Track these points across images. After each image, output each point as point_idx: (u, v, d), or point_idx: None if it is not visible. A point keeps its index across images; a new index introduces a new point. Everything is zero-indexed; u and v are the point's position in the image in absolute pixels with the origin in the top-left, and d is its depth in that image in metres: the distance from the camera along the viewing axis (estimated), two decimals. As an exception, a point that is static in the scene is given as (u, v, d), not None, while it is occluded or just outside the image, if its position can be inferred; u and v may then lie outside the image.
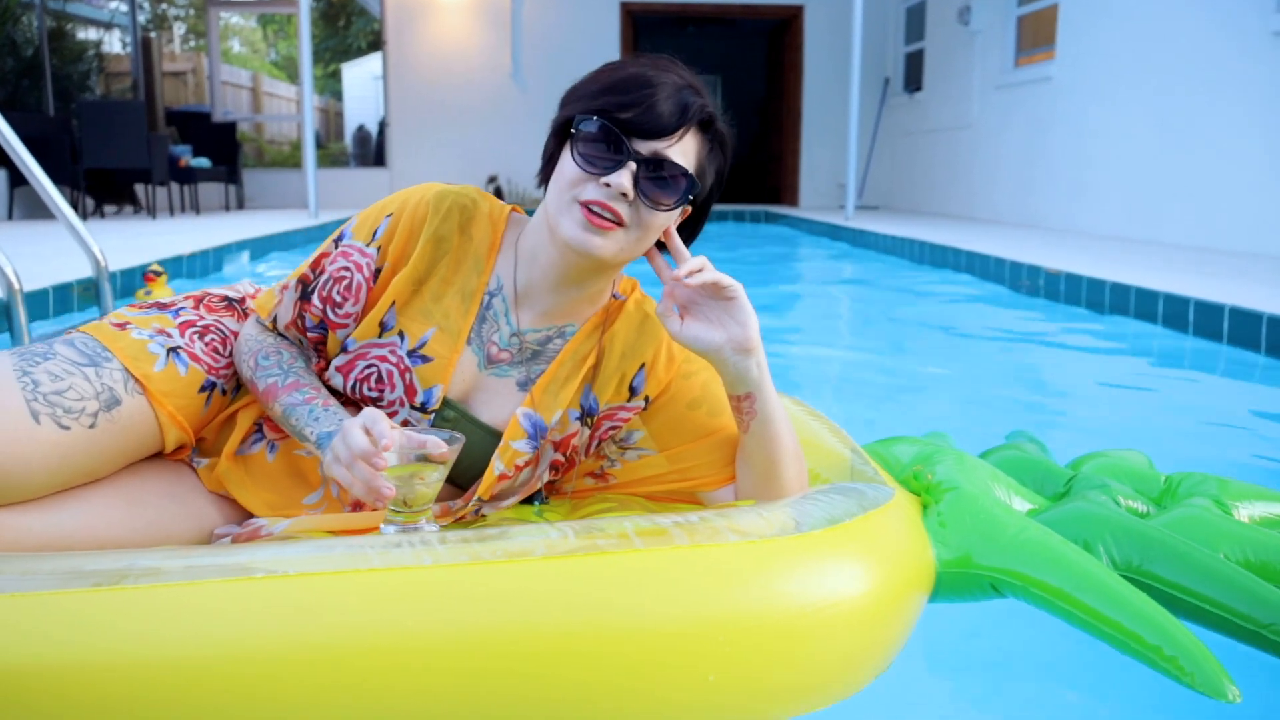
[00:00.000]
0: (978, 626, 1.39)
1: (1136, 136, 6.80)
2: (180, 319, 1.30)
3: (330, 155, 14.23)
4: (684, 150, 1.16)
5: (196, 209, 9.64)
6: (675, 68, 1.18)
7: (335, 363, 1.26)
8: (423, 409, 1.24)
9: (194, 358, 1.26)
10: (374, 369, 1.24)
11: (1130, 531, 1.24)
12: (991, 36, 9.08)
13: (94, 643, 0.87)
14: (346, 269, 1.25)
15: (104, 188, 9.05)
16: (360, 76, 14.19)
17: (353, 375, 1.25)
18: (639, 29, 12.69)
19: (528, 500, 1.36)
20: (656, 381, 1.30)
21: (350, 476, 1.06)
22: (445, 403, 1.25)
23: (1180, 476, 1.51)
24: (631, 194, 1.12)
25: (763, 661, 0.96)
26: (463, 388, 1.26)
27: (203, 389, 1.26)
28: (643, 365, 1.29)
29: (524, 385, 1.28)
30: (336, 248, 1.27)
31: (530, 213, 1.30)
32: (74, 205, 8.28)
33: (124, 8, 11.13)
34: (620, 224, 1.14)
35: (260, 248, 6.53)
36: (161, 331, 1.27)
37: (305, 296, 1.27)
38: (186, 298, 1.36)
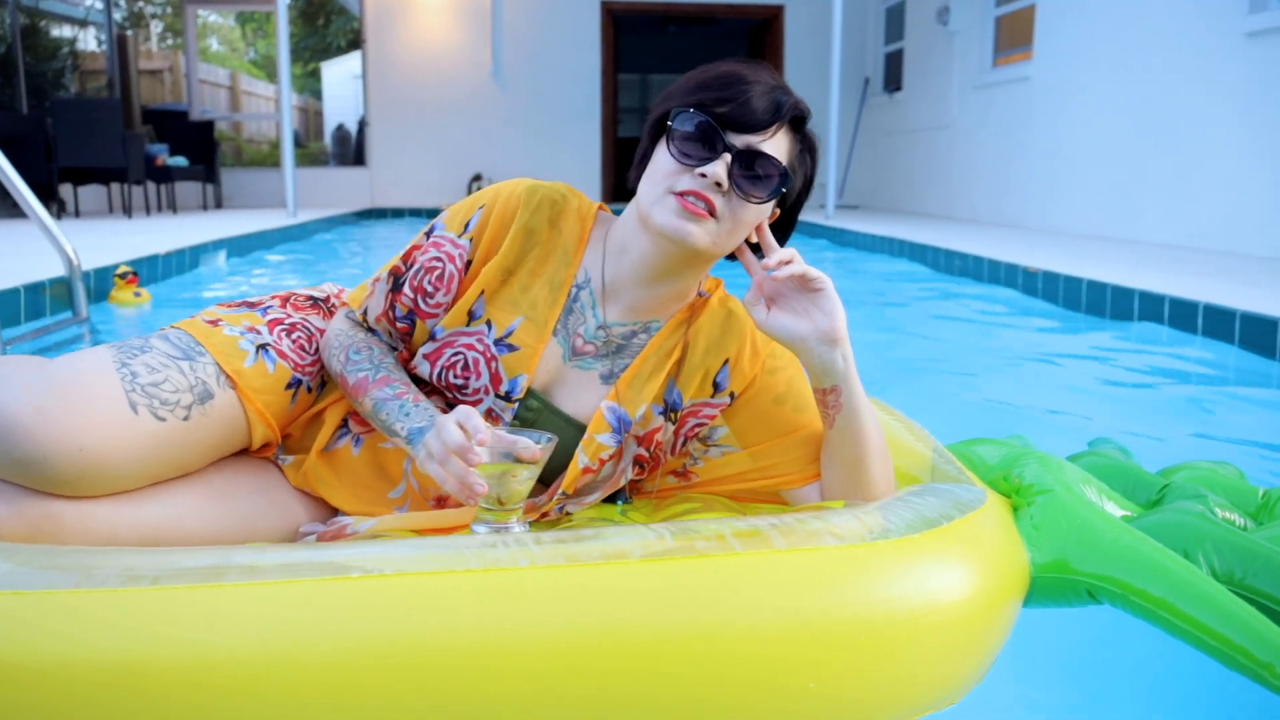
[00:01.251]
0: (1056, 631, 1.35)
1: (1113, 136, 6.84)
2: (269, 317, 1.32)
3: (310, 154, 14.16)
4: (776, 146, 1.18)
5: (174, 208, 9.56)
6: (767, 68, 1.21)
7: (422, 350, 1.27)
8: (507, 398, 1.25)
9: (281, 355, 1.28)
10: (460, 356, 1.25)
11: (1232, 543, 1.19)
12: (970, 37, 9.12)
13: (192, 640, 0.88)
14: (438, 259, 1.27)
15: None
16: (340, 75, 14.12)
17: (439, 363, 1.26)
18: (620, 28, 12.68)
19: (610, 499, 1.36)
20: (741, 377, 1.30)
21: (444, 473, 1.07)
22: (529, 392, 1.26)
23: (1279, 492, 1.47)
24: (726, 185, 1.15)
25: (864, 669, 0.94)
26: (546, 378, 1.27)
27: (289, 386, 1.28)
28: (727, 361, 1.29)
29: (607, 379, 1.28)
30: (428, 239, 1.29)
31: (617, 211, 1.32)
32: (48, 204, 8.19)
33: (99, 5, 11.03)
34: (713, 214, 1.16)
35: (237, 247, 6.48)
36: (251, 329, 1.28)
37: (396, 287, 1.29)
38: (274, 296, 1.38)
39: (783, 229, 1.28)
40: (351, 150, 12.99)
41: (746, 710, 0.92)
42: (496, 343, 1.25)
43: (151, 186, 9.83)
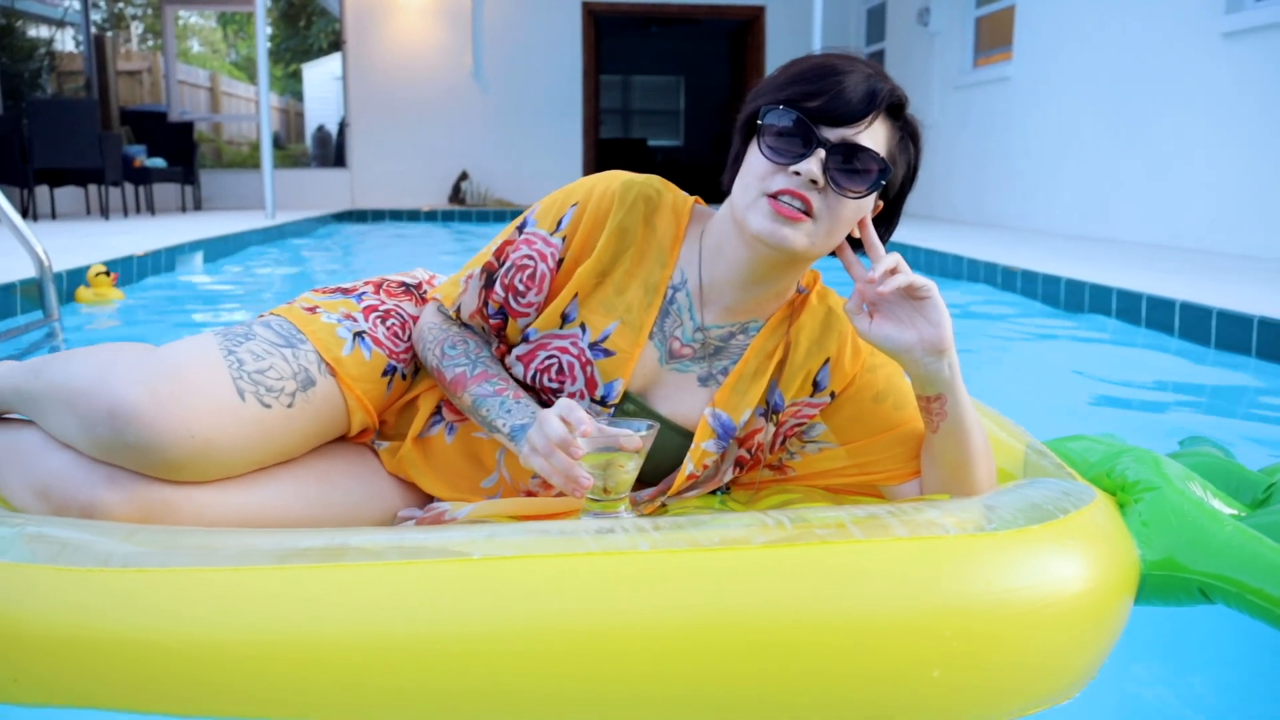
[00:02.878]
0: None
1: (1091, 136, 6.87)
2: (363, 304, 1.33)
3: (291, 156, 14.09)
4: (873, 137, 1.13)
5: (152, 210, 9.49)
6: (861, 58, 1.16)
7: (516, 351, 1.27)
8: (603, 402, 1.24)
9: (377, 342, 1.29)
10: (555, 360, 1.24)
11: None
12: (950, 37, 9.15)
13: (313, 617, 0.89)
14: (530, 258, 1.25)
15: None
16: (321, 77, 14.05)
17: (533, 365, 1.25)
18: (601, 29, 12.67)
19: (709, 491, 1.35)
20: (841, 376, 1.27)
21: (549, 466, 1.07)
22: (625, 396, 1.25)
23: None
24: (822, 181, 1.10)
25: (988, 659, 0.92)
26: (643, 381, 1.26)
27: (385, 373, 1.29)
28: (827, 360, 1.27)
29: (705, 380, 1.27)
30: (520, 234, 1.27)
31: (713, 206, 1.30)
32: (23, 205, 8.11)
33: (77, 5, 10.94)
34: (809, 214, 1.11)
35: (215, 248, 6.43)
36: (348, 316, 1.29)
37: (489, 284, 1.27)
38: (367, 283, 1.38)
39: (886, 221, 1.24)
40: (332, 151, 12.92)
41: (870, 698, 0.91)
42: (591, 347, 1.23)
43: (129, 188, 9.75)
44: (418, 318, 1.34)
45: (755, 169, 1.14)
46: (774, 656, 0.89)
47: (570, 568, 0.92)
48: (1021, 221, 7.82)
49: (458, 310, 1.29)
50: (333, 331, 1.26)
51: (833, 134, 1.11)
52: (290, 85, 14.73)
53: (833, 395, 1.28)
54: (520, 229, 1.27)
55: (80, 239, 6.22)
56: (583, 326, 1.24)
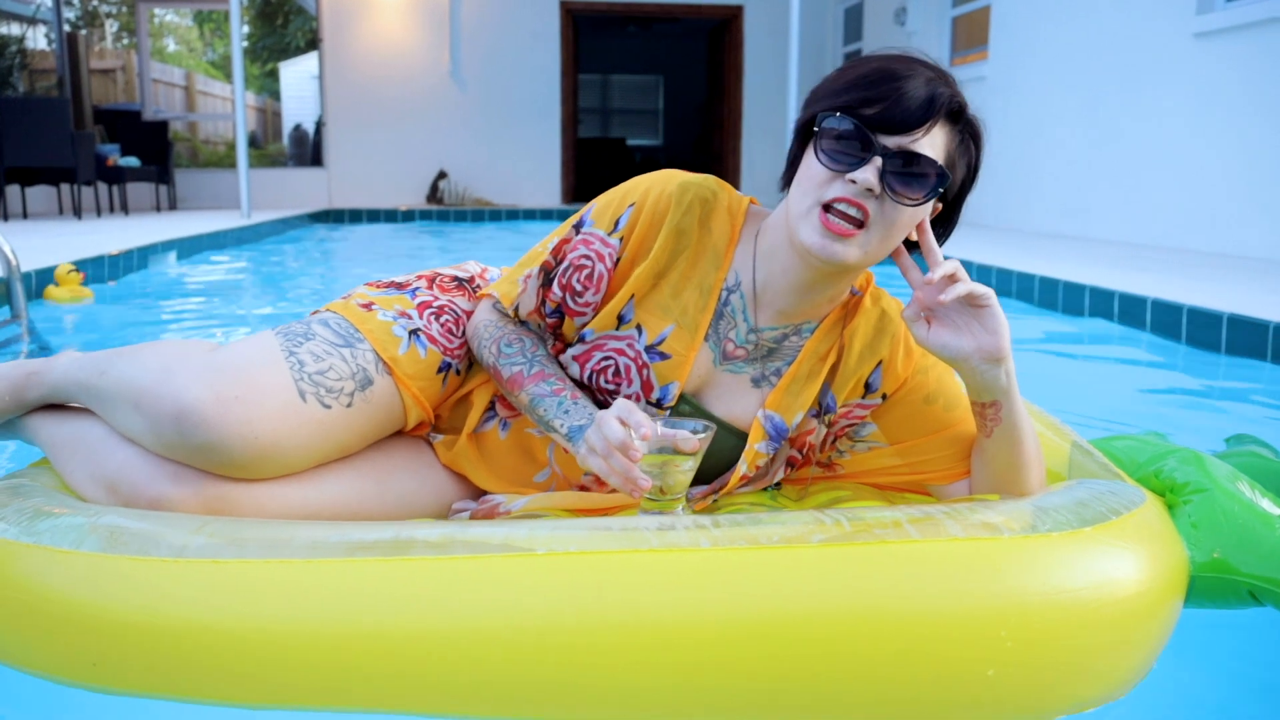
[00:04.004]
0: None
1: (1067, 135, 6.92)
2: (417, 299, 1.34)
3: (268, 156, 14.00)
4: (932, 143, 1.12)
5: (125, 209, 9.40)
6: (925, 62, 1.15)
7: (572, 351, 1.28)
8: (659, 405, 1.25)
9: (432, 339, 1.30)
10: (611, 361, 1.25)
11: None
12: (927, 37, 9.19)
13: (379, 610, 0.91)
14: (587, 258, 1.26)
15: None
16: (298, 76, 13.97)
17: (589, 366, 1.26)
18: (579, 28, 12.65)
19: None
20: (894, 379, 1.28)
21: (607, 468, 1.08)
22: (681, 398, 1.26)
23: None
24: (878, 189, 1.09)
25: (1041, 658, 0.93)
26: (697, 383, 1.26)
27: (440, 370, 1.31)
28: (880, 363, 1.27)
29: (758, 382, 1.27)
30: (577, 234, 1.28)
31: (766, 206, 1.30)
32: (-5, 205, 8.02)
33: (49, 3, 10.83)
34: (863, 225, 1.11)
35: (188, 248, 6.38)
36: (403, 314, 1.31)
37: (547, 283, 1.28)
38: (419, 277, 1.40)
39: (944, 222, 1.23)
40: (309, 151, 12.85)
41: (925, 696, 0.92)
42: (648, 350, 1.24)
43: (103, 187, 9.66)
44: (470, 313, 1.36)
45: (812, 175, 1.13)
46: (831, 653, 0.91)
47: (632, 564, 0.94)
48: (998, 220, 7.86)
49: (516, 309, 1.30)
50: (389, 330, 1.28)
51: (890, 141, 1.10)
52: (267, 84, 14.64)
53: (884, 397, 1.29)
54: (577, 228, 1.28)
55: (52, 238, 6.16)
56: (639, 328, 1.25)
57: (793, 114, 8.90)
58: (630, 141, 16.11)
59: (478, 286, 1.42)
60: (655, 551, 0.95)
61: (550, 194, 11.76)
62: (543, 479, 1.32)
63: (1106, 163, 6.45)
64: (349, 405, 1.21)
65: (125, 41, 12.94)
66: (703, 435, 1.10)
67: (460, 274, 1.43)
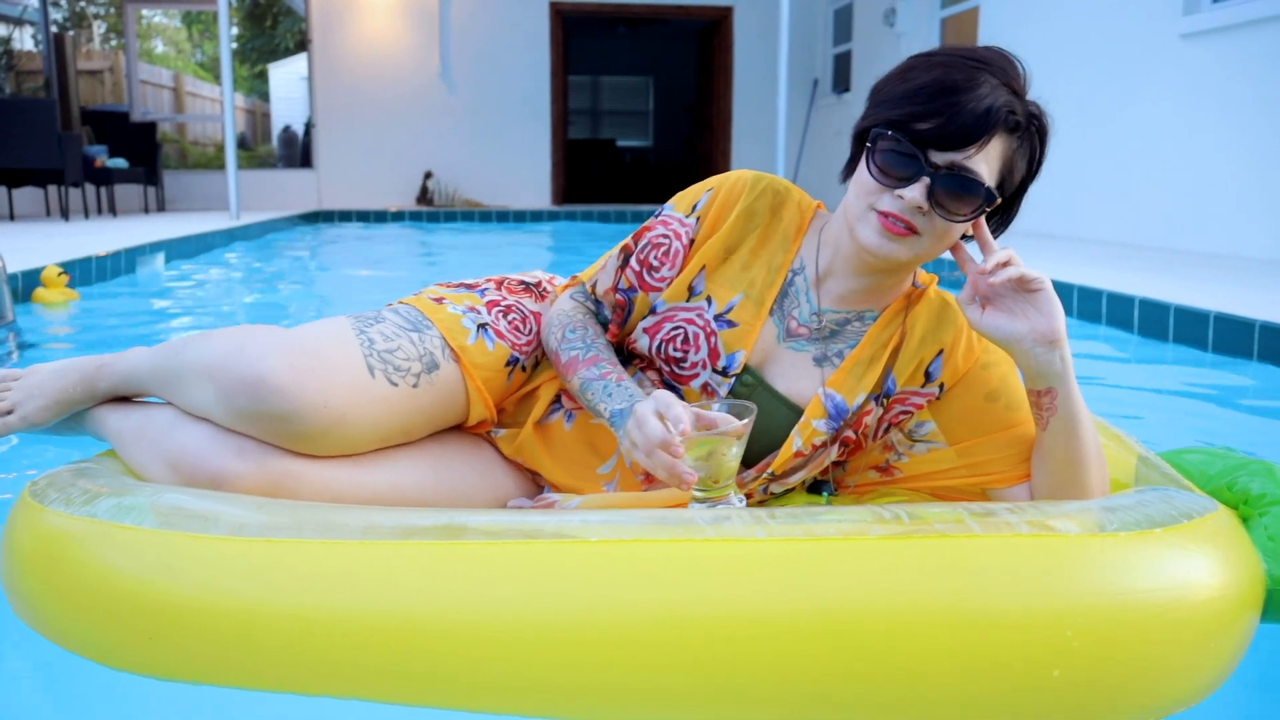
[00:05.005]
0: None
1: (1054, 135, 6.93)
2: (486, 298, 1.39)
3: (258, 157, 13.95)
4: (987, 156, 1.13)
5: (113, 211, 9.36)
6: (990, 64, 1.13)
7: (643, 324, 1.32)
8: (724, 373, 1.28)
9: (499, 334, 1.34)
10: (680, 330, 1.29)
11: None
12: (916, 38, 9.21)
13: (431, 593, 0.92)
14: (665, 236, 1.32)
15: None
16: (288, 77, 13.92)
17: (659, 335, 1.30)
18: (569, 29, 12.65)
19: (814, 489, 1.38)
20: (953, 370, 1.29)
21: (651, 463, 1.09)
22: (745, 368, 1.29)
23: None
24: (926, 207, 1.12)
25: (1109, 660, 0.91)
26: (761, 356, 1.30)
27: (507, 364, 1.34)
28: (941, 351, 1.28)
29: (820, 361, 1.30)
30: (656, 219, 1.35)
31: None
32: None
33: (35, 3, 10.77)
34: (915, 232, 1.15)
35: (176, 249, 6.35)
36: (472, 309, 1.35)
37: (625, 262, 1.34)
38: (489, 279, 1.45)
39: (1004, 211, 1.24)
40: (298, 152, 12.81)
41: (987, 694, 0.90)
42: (716, 318, 1.29)
43: (90, 189, 9.61)
44: (537, 314, 1.41)
45: (865, 184, 1.17)
46: (888, 648, 0.89)
47: (686, 553, 0.93)
48: (986, 221, 7.88)
49: (594, 286, 1.37)
50: (458, 321, 1.32)
51: (942, 158, 1.12)
52: (256, 85, 14.59)
53: (942, 388, 1.29)
54: (657, 215, 1.35)
55: (39, 240, 6.13)
56: (708, 299, 1.29)
57: (784, 115, 8.91)
58: (620, 143, 16.11)
59: (544, 290, 1.48)
60: (710, 541, 0.94)
61: (540, 195, 11.75)
62: (607, 470, 1.34)
63: (1094, 163, 6.47)
64: (415, 386, 1.24)
65: (113, 43, 12.89)
66: (746, 421, 1.10)
67: (528, 279, 1.49)
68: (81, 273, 4.87)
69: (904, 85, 1.15)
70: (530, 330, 1.39)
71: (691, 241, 1.32)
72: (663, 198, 14.26)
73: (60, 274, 4.30)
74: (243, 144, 13.68)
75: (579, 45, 14.71)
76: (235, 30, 13.81)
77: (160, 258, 6.03)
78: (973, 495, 1.29)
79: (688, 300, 1.30)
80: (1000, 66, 1.14)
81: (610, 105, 16.70)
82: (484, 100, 11.47)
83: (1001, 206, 1.24)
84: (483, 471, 1.34)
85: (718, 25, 12.08)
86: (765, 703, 0.91)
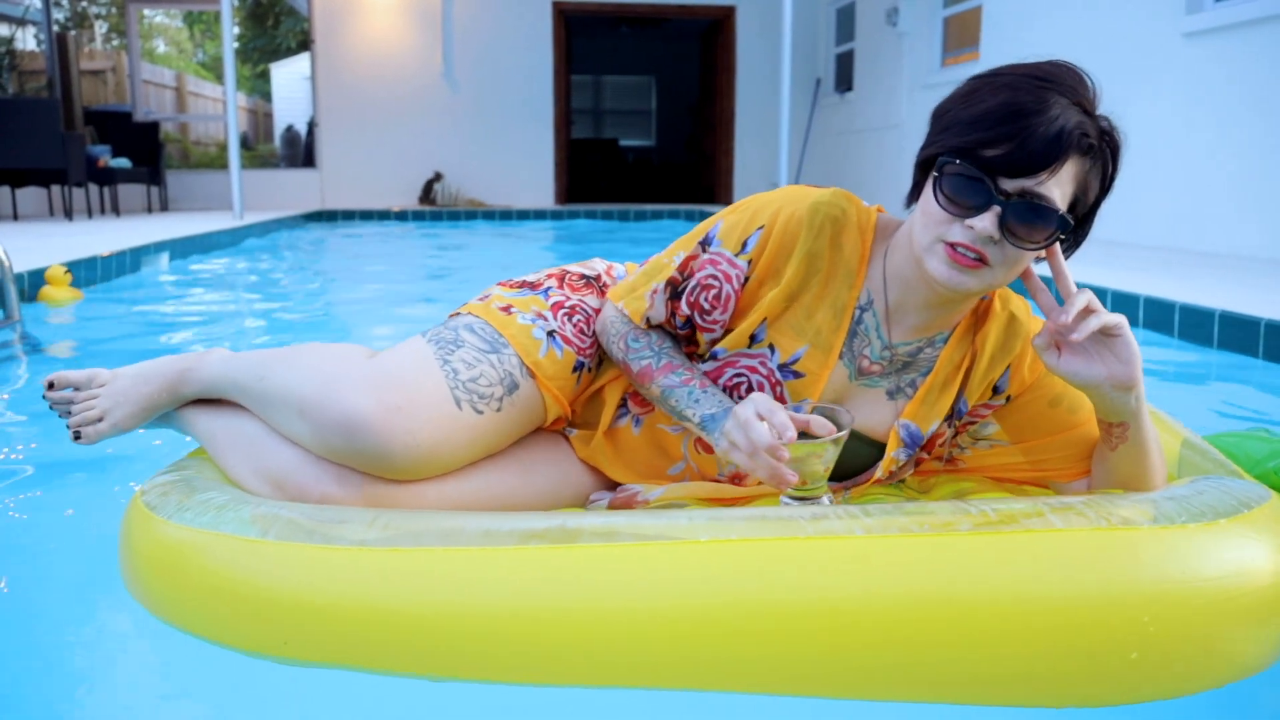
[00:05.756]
0: None
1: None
2: (551, 300, 1.39)
3: (260, 157, 13.96)
4: (1059, 180, 1.09)
5: (116, 211, 9.37)
6: (1058, 82, 1.09)
7: (704, 368, 1.31)
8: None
9: (566, 340, 1.35)
10: (744, 379, 1.28)
11: None
12: (918, 37, 9.21)
13: (551, 593, 0.98)
14: (715, 278, 1.28)
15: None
16: (290, 77, 13.93)
17: (721, 381, 1.29)
18: (571, 29, 12.65)
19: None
20: (1020, 382, 1.29)
21: (752, 464, 1.11)
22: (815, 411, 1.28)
23: None
24: (998, 236, 1.09)
25: (1182, 641, 0.98)
26: (831, 397, 1.29)
27: (575, 369, 1.36)
28: (1009, 366, 1.29)
29: (893, 394, 1.29)
30: (705, 252, 1.29)
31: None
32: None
33: (38, 3, 10.78)
34: (985, 262, 1.11)
35: (180, 249, 6.36)
36: (540, 315, 1.36)
37: (675, 297, 1.32)
38: (549, 275, 1.44)
39: (1076, 233, 1.20)
40: (301, 152, 12.82)
41: (1071, 675, 0.97)
42: (781, 368, 1.27)
43: (94, 189, 9.62)
44: (599, 310, 1.40)
45: (932, 214, 1.12)
46: (981, 635, 0.96)
47: (789, 550, 0.99)
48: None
49: (647, 322, 1.33)
50: (529, 333, 1.33)
51: (1012, 185, 1.08)
52: (258, 85, 14.60)
53: (1008, 398, 1.30)
54: (704, 245, 1.29)
55: (43, 240, 6.14)
56: (771, 347, 1.27)
57: (787, 114, 8.92)
58: (622, 142, 16.11)
59: (605, 284, 1.46)
60: (812, 539, 1.00)
61: (543, 195, 11.76)
62: (676, 472, 1.36)
63: (1097, 162, 6.46)
64: (498, 410, 1.27)
65: (115, 43, 12.90)
66: (843, 432, 1.13)
67: (588, 271, 1.47)
68: (86, 272, 4.88)
69: (969, 110, 1.10)
70: (594, 330, 1.39)
71: (744, 283, 1.27)
72: (665, 197, 14.27)
73: (65, 272, 4.31)
74: (245, 144, 13.69)
75: (581, 45, 14.71)
76: (237, 30, 13.82)
77: (164, 257, 6.04)
78: (1033, 484, 1.35)
79: (749, 348, 1.28)
80: (1069, 84, 1.10)
81: (612, 105, 16.70)
82: (487, 100, 11.48)
83: (1074, 228, 1.20)
84: (564, 470, 1.37)
85: (720, 25, 12.08)
86: (868, 688, 0.98)
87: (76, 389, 1.45)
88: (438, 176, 11.34)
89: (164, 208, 10.44)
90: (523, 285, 1.42)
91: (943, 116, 1.14)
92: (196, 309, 4.35)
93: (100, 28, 13.08)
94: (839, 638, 0.96)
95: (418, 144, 11.44)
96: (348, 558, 1.03)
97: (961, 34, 8.69)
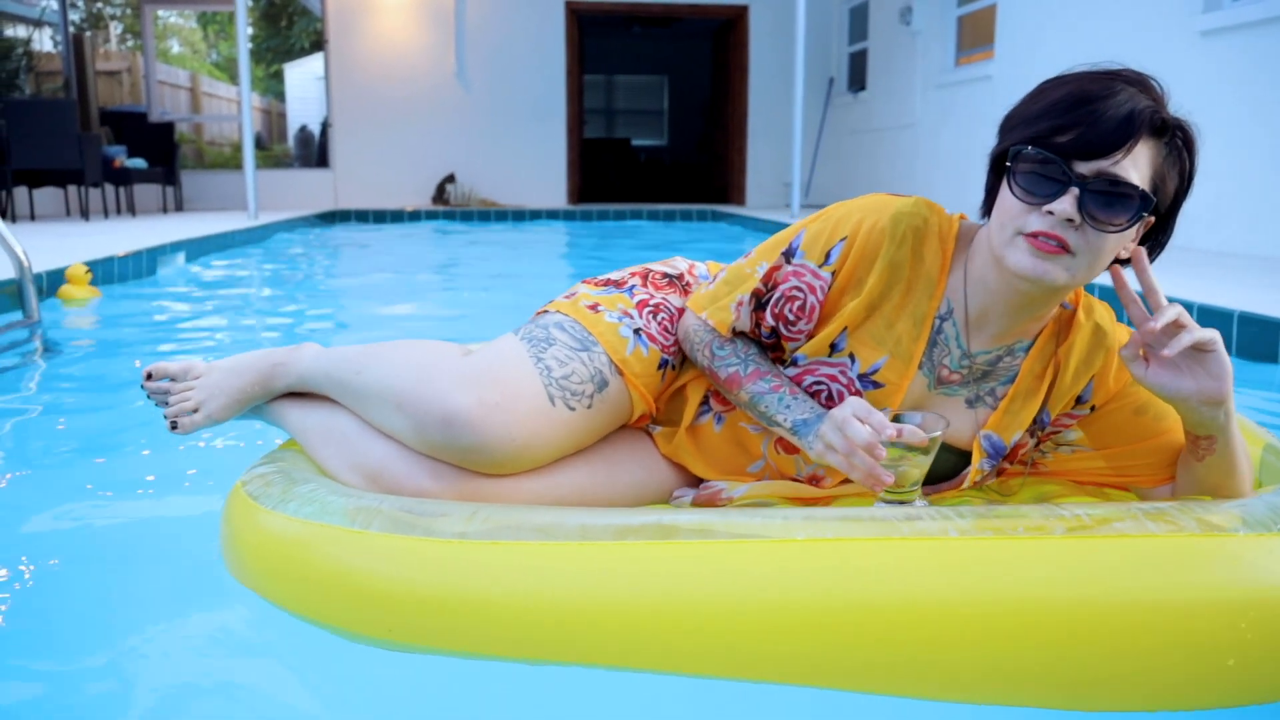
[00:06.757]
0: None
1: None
2: (635, 298, 1.40)
3: (273, 157, 14.01)
4: (1135, 163, 1.08)
5: (132, 211, 9.43)
6: (1124, 76, 1.11)
7: (784, 372, 1.32)
8: None
9: (651, 338, 1.37)
10: (824, 387, 1.29)
11: None
12: (932, 36, 9.19)
13: (650, 586, 1.01)
14: (799, 289, 1.29)
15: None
16: (303, 77, 13.98)
17: (801, 388, 1.29)
18: (584, 29, 12.66)
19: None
20: (1104, 392, 1.28)
21: (848, 464, 1.12)
22: (895, 420, 1.28)
23: None
24: (1078, 219, 1.07)
25: (1277, 647, 0.97)
26: (911, 406, 1.29)
27: (660, 366, 1.37)
28: (1093, 377, 1.28)
29: (972, 402, 1.29)
30: (788, 264, 1.29)
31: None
32: (1, 207, 8.04)
33: (54, 5, 10.85)
34: (1068, 250, 1.09)
35: (196, 249, 6.39)
36: (625, 313, 1.38)
37: (760, 308, 1.33)
38: (633, 274, 1.46)
39: (1160, 232, 1.19)
40: (314, 152, 12.86)
41: (1166, 682, 0.97)
42: (860, 378, 1.27)
43: (109, 189, 9.68)
44: (683, 309, 1.41)
45: (1009, 209, 1.12)
46: (1077, 638, 0.96)
47: (885, 550, 1.01)
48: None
49: (733, 331, 1.33)
50: (616, 331, 1.35)
51: (1087, 168, 1.08)
52: (271, 86, 14.66)
53: (1093, 408, 1.30)
54: (787, 256, 1.29)
55: (60, 240, 6.17)
56: (851, 357, 1.27)
57: (800, 113, 8.91)
58: (635, 142, 16.12)
59: (687, 283, 1.47)
60: (908, 539, 1.01)
61: (556, 194, 11.77)
62: (756, 469, 1.38)
63: (1113, 161, 6.44)
64: (589, 407, 1.30)
65: (130, 44, 12.97)
66: (938, 434, 1.14)
67: (670, 270, 1.49)
68: (104, 272, 4.91)
69: (1038, 104, 1.12)
70: (677, 330, 1.41)
71: (826, 294, 1.28)
72: (677, 197, 14.27)
73: (85, 271, 4.34)
74: (259, 144, 13.74)
75: (594, 45, 14.72)
76: (251, 30, 13.87)
77: (181, 257, 6.07)
78: (1116, 487, 1.35)
79: (829, 356, 1.28)
80: (1135, 78, 1.11)
81: (625, 104, 16.71)
82: (499, 100, 11.50)
83: (1155, 227, 1.19)
84: (649, 467, 1.39)
85: (733, 24, 12.07)
86: (955, 686, 0.99)
87: (173, 380, 1.50)
88: (450, 177, 11.37)
89: (179, 208, 10.49)
90: (607, 283, 1.44)
91: (1011, 118, 1.16)
92: (213, 308, 4.37)
93: (115, 29, 13.15)
94: (933, 639, 0.97)
95: (430, 144, 11.46)
96: (450, 549, 1.07)
97: (975, 33, 8.66)
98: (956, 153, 8.64)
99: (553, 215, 10.79)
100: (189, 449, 2.08)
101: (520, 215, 10.75)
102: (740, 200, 12.22)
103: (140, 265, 5.44)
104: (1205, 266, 4.66)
